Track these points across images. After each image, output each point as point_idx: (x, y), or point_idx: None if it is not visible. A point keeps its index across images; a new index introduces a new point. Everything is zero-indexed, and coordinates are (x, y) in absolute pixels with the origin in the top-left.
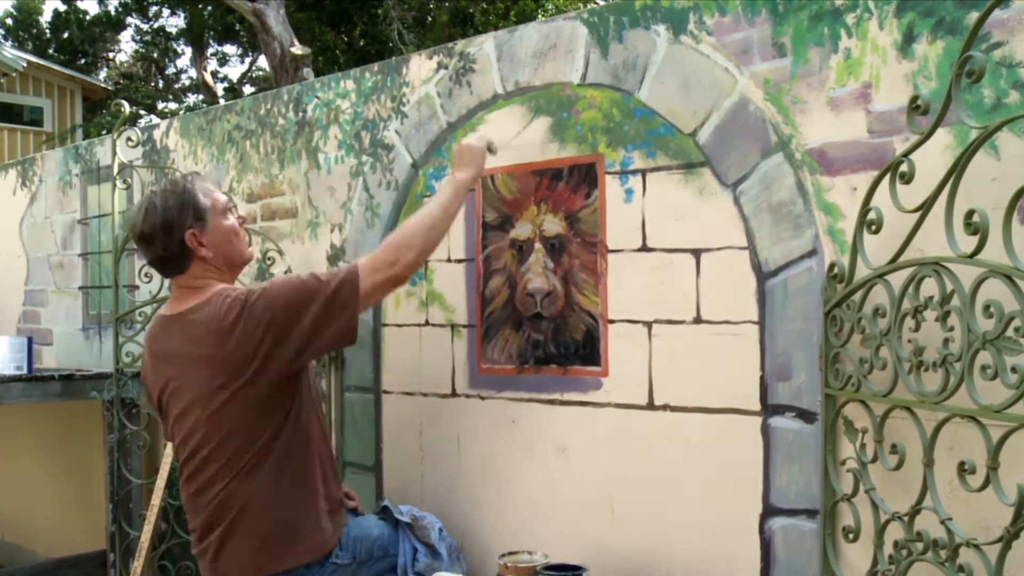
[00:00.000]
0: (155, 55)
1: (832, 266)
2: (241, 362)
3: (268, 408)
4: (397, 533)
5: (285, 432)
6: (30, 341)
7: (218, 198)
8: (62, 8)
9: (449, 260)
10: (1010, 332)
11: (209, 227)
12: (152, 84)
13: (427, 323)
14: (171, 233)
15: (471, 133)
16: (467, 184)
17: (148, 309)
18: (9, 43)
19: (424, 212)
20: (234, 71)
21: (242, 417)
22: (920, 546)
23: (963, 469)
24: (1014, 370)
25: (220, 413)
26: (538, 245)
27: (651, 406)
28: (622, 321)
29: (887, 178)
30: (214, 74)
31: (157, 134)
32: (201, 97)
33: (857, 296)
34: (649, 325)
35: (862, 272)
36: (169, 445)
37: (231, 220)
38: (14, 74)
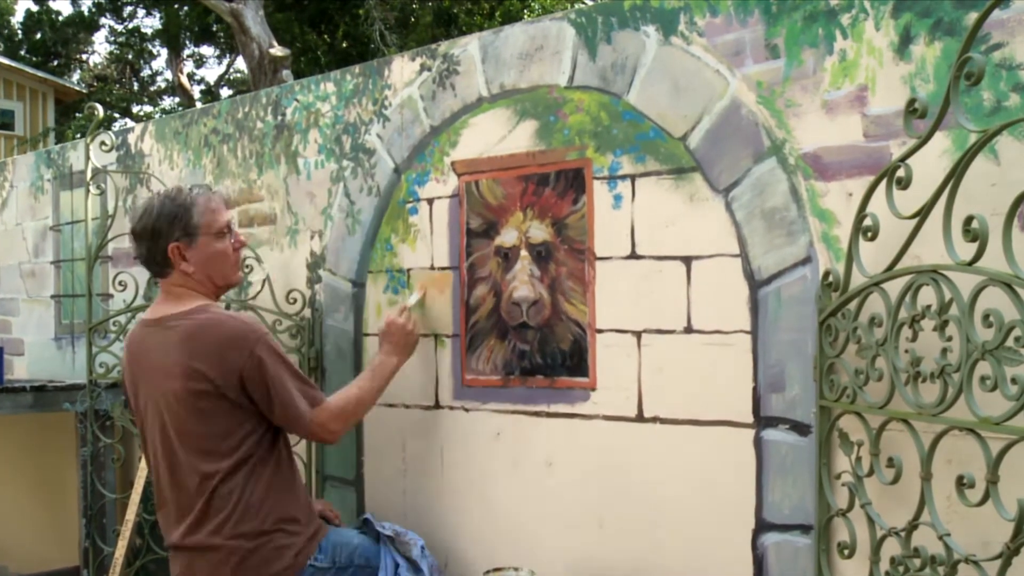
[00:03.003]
0: (130, 57)
1: (827, 274)
2: (212, 378)
3: (239, 416)
4: (379, 546)
5: (260, 441)
6: (0, 351)
7: (215, 219)
8: (34, 8)
9: (432, 268)
10: (1010, 342)
11: (196, 244)
12: (127, 86)
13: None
14: (156, 240)
15: (394, 307)
16: (398, 368)
17: (123, 318)
18: None
19: (366, 389)
20: (211, 73)
21: (212, 420)
22: (918, 562)
23: (962, 483)
24: (1014, 381)
25: (190, 413)
26: (524, 252)
27: (640, 418)
28: (610, 331)
29: (883, 183)
30: (190, 76)
31: (132, 138)
32: (177, 100)
33: (853, 305)
34: (638, 335)
35: (858, 280)
36: (144, 458)
37: (223, 244)
38: None
